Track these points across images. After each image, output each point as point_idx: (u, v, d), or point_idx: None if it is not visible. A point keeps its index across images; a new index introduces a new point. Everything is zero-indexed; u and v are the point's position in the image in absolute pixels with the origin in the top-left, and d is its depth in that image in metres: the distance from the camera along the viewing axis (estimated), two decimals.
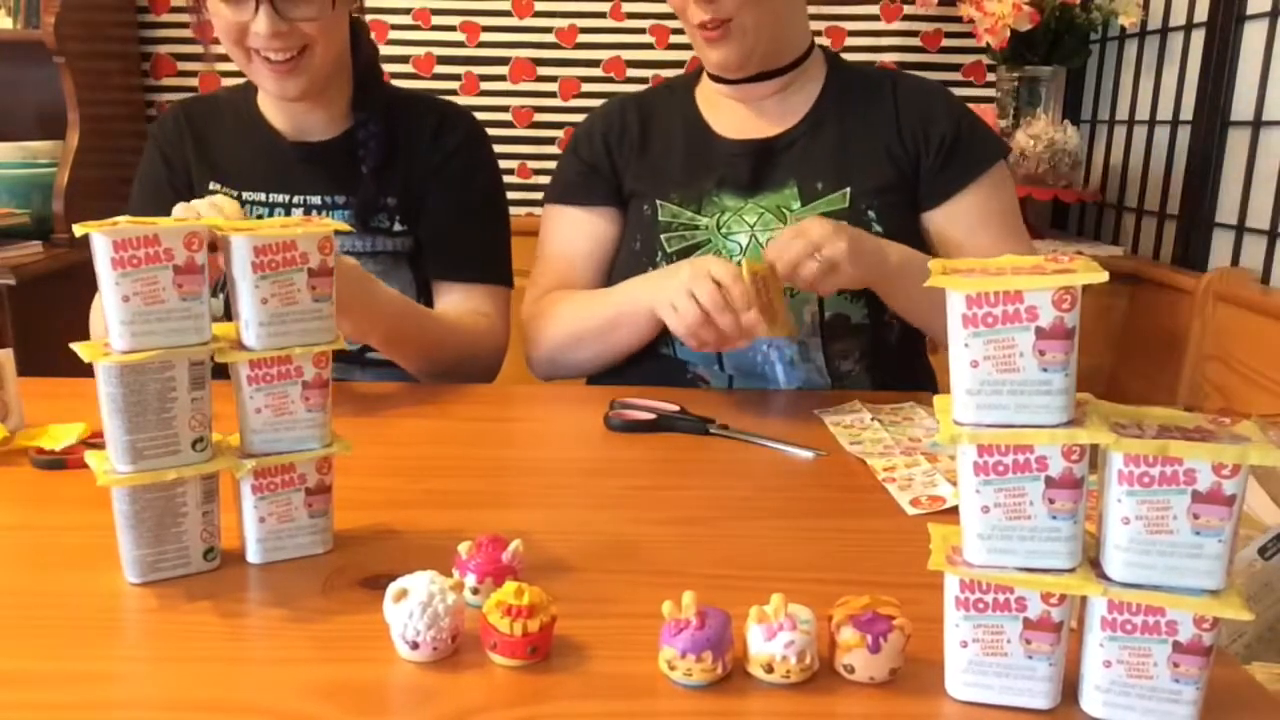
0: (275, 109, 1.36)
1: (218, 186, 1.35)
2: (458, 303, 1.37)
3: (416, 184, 1.36)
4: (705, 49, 1.28)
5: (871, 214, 1.26)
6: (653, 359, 1.33)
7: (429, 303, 1.40)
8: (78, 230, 0.68)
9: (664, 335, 1.30)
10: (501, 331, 1.40)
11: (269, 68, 1.23)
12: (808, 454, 1.03)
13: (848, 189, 1.27)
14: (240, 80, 1.37)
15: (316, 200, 1.34)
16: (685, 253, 1.29)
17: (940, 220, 1.30)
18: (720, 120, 1.35)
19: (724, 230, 1.29)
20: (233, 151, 1.37)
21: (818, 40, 1.38)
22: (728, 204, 1.30)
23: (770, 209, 1.29)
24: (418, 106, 1.40)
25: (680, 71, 1.45)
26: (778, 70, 1.31)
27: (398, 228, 1.35)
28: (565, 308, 1.33)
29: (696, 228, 1.30)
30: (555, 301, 1.35)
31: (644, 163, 1.36)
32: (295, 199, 1.34)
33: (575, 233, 1.39)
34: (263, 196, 1.34)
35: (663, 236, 1.31)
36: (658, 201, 1.33)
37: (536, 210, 2.19)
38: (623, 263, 1.36)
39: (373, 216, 1.34)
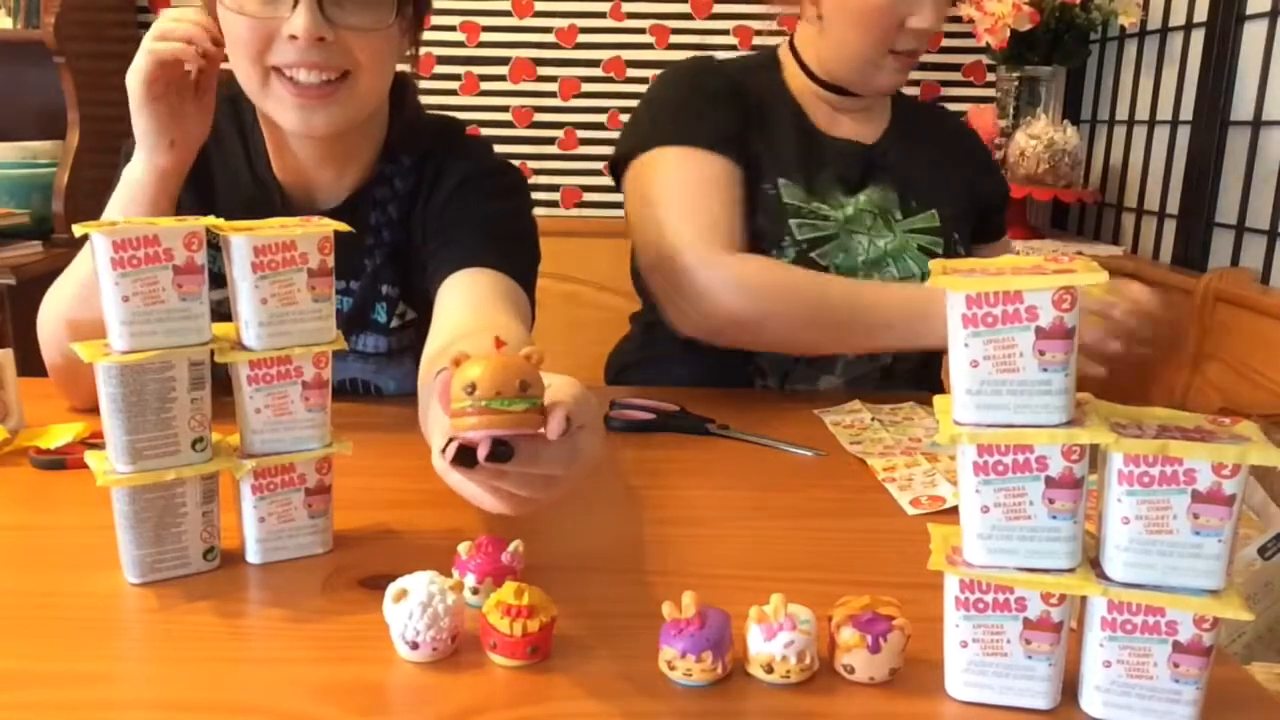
0: (280, 152, 1.09)
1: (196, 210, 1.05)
2: (465, 293, 0.99)
3: (417, 251, 1.11)
4: (892, 74, 1.26)
5: (956, 235, 1.33)
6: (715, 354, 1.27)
7: None
8: (77, 230, 0.68)
9: None
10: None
11: (295, 93, 0.96)
12: (808, 453, 1.03)
13: (934, 210, 1.32)
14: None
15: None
16: (816, 243, 1.25)
17: (990, 251, 1.41)
18: (818, 117, 1.33)
19: (851, 227, 1.28)
20: (227, 190, 1.10)
21: None
22: (844, 200, 1.30)
23: (879, 214, 1.30)
24: (434, 158, 1.12)
25: None
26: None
27: (395, 323, 1.14)
28: (821, 289, 1.17)
29: (826, 219, 1.27)
30: (794, 273, 1.18)
31: (762, 137, 1.27)
32: None
33: (722, 177, 1.21)
34: None
35: (792, 221, 1.25)
36: (780, 181, 1.26)
37: (537, 211, 2.19)
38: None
39: (375, 307, 1.13)
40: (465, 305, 0.98)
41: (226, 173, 1.12)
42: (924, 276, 1.22)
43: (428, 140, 1.13)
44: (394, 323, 1.15)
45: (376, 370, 1.17)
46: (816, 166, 1.29)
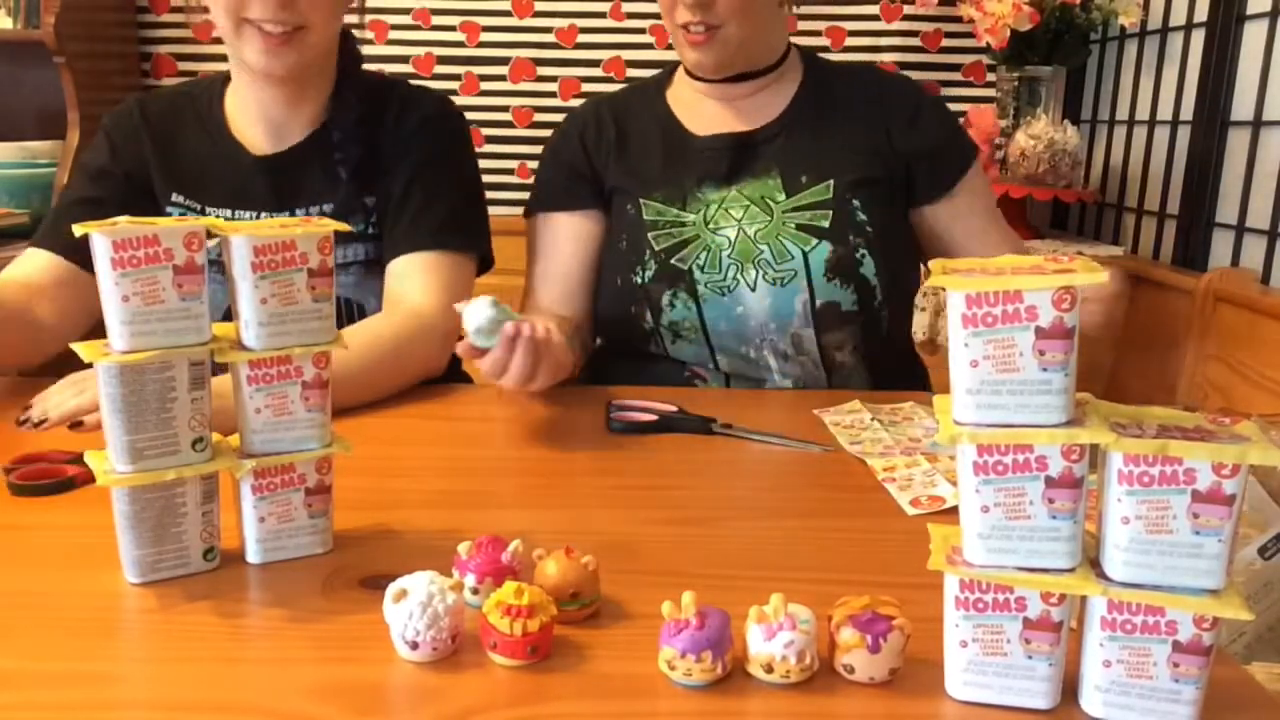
0: (248, 108, 1.28)
1: (181, 199, 1.27)
2: (396, 282, 1.23)
3: (385, 175, 1.28)
4: (685, 49, 1.30)
5: (856, 203, 1.28)
6: (647, 360, 1.33)
7: None
8: (77, 230, 0.68)
9: (655, 335, 1.30)
10: (438, 304, 1.20)
11: (262, 39, 1.16)
12: (815, 448, 1.03)
13: (831, 180, 1.29)
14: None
15: (314, 209, 1.27)
16: (674, 250, 1.29)
17: (940, 215, 1.35)
18: (695, 119, 1.36)
19: (711, 225, 1.30)
20: (195, 159, 1.28)
21: (819, 39, 1.39)
22: (711, 197, 1.31)
23: (755, 200, 1.30)
24: (385, 95, 1.31)
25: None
26: (755, 73, 1.34)
27: (373, 230, 1.28)
28: None
29: (684, 224, 1.30)
30: None
31: (623, 163, 1.37)
32: (265, 216, 1.25)
33: (568, 239, 1.37)
34: (228, 213, 1.26)
35: (650, 235, 1.31)
36: (641, 200, 1.33)
37: None
38: (609, 261, 1.35)
39: (352, 219, 1.26)
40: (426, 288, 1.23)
41: (188, 144, 1.30)
42: (805, 256, 1.25)
43: (370, 83, 1.33)
44: (371, 230, 1.28)
45: (358, 283, 1.28)
46: (683, 170, 1.33)
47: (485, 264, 1.34)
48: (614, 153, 1.37)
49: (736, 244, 1.27)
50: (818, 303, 1.26)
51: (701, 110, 1.37)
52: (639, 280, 1.30)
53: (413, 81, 1.37)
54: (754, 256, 1.26)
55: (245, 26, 1.16)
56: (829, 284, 1.25)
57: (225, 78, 1.31)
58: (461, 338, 1.03)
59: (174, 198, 1.28)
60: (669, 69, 1.44)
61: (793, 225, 1.27)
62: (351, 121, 1.28)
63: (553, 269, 1.37)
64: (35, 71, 2.50)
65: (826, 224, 1.27)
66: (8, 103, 2.60)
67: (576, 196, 1.37)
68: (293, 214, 1.27)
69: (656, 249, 1.30)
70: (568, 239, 1.37)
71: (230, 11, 1.15)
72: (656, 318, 1.29)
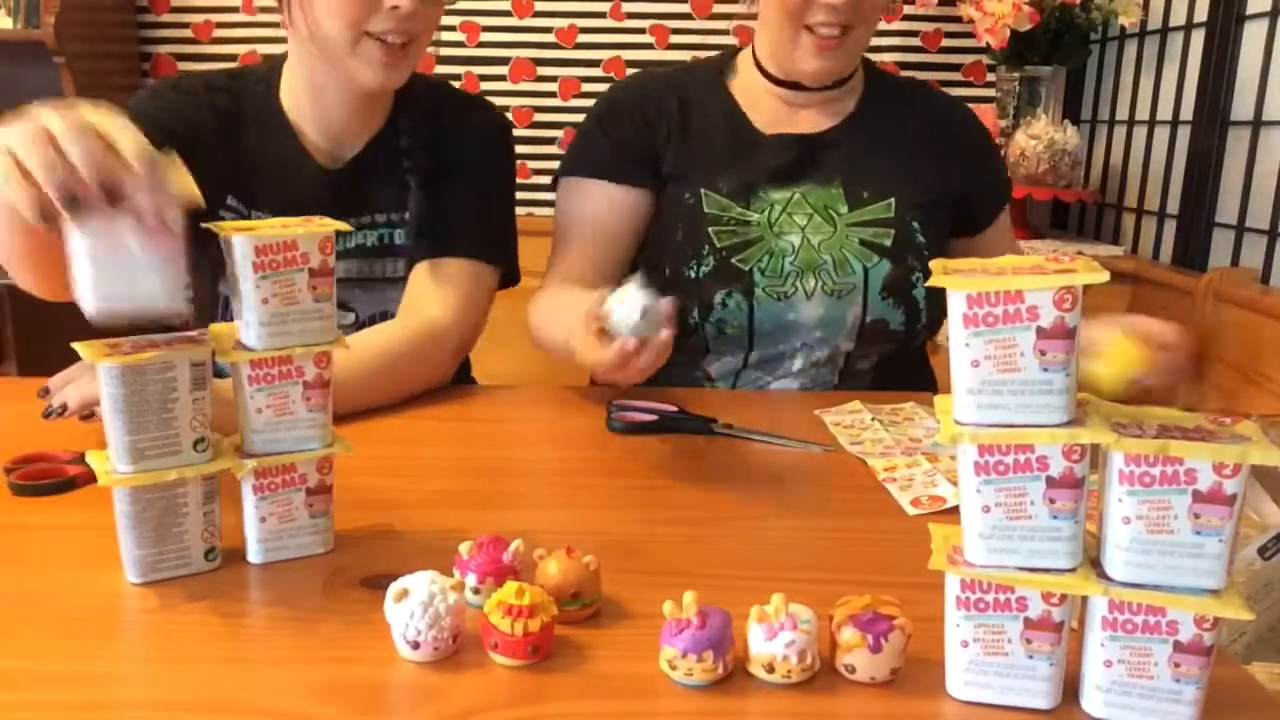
0: (306, 113, 1.22)
1: (235, 202, 1.21)
2: (417, 284, 1.22)
3: (441, 180, 1.25)
4: (809, 56, 1.25)
5: (915, 224, 1.28)
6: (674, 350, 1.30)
7: None
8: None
9: (699, 330, 1.27)
10: (454, 315, 1.20)
11: (384, 51, 1.11)
12: (816, 448, 1.03)
13: (893, 199, 1.29)
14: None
15: (368, 219, 1.24)
16: (736, 249, 1.26)
17: (974, 243, 1.38)
18: (760, 115, 1.33)
19: (776, 229, 1.27)
20: (253, 164, 1.21)
21: None
22: (775, 197, 1.28)
23: (819, 210, 1.28)
24: (441, 100, 1.29)
25: None
26: (840, 80, 1.32)
27: (409, 244, 1.25)
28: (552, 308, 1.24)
29: (748, 223, 1.27)
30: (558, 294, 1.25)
31: (685, 147, 1.31)
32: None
33: (605, 209, 1.31)
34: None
35: (711, 230, 1.27)
36: (702, 191, 1.28)
37: (537, 211, 2.19)
38: (659, 250, 1.30)
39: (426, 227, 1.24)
40: (450, 294, 1.21)
41: (248, 145, 1.21)
42: (866, 272, 1.25)
43: (426, 87, 1.29)
44: (408, 244, 1.26)
45: (398, 297, 1.25)
46: (747, 163, 1.30)
47: (509, 279, 1.31)
48: (676, 134, 1.31)
49: (800, 252, 1.26)
50: (868, 319, 1.26)
51: (766, 107, 1.33)
52: (692, 274, 1.26)
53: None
54: (816, 266, 1.25)
55: (365, 40, 1.11)
56: (883, 302, 1.25)
57: (271, 76, 1.24)
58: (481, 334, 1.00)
59: (228, 201, 1.21)
60: (727, 55, 1.39)
61: (856, 240, 1.26)
62: (418, 128, 1.26)
63: (590, 236, 1.31)
64: (35, 71, 2.50)
65: (889, 242, 1.26)
66: (8, 103, 2.59)
67: (626, 170, 1.31)
68: (373, 219, 1.24)
69: (718, 245, 1.26)
70: (611, 208, 1.31)
71: (352, 24, 1.10)
72: (705, 314, 1.26)
